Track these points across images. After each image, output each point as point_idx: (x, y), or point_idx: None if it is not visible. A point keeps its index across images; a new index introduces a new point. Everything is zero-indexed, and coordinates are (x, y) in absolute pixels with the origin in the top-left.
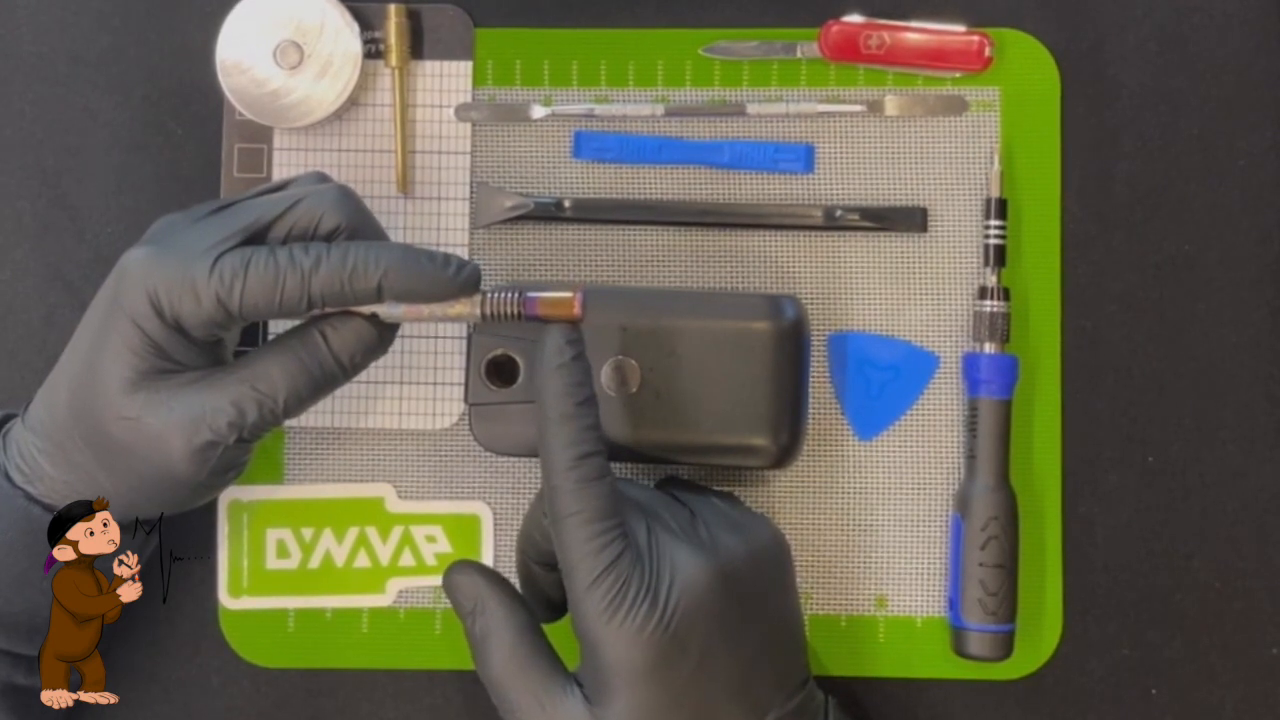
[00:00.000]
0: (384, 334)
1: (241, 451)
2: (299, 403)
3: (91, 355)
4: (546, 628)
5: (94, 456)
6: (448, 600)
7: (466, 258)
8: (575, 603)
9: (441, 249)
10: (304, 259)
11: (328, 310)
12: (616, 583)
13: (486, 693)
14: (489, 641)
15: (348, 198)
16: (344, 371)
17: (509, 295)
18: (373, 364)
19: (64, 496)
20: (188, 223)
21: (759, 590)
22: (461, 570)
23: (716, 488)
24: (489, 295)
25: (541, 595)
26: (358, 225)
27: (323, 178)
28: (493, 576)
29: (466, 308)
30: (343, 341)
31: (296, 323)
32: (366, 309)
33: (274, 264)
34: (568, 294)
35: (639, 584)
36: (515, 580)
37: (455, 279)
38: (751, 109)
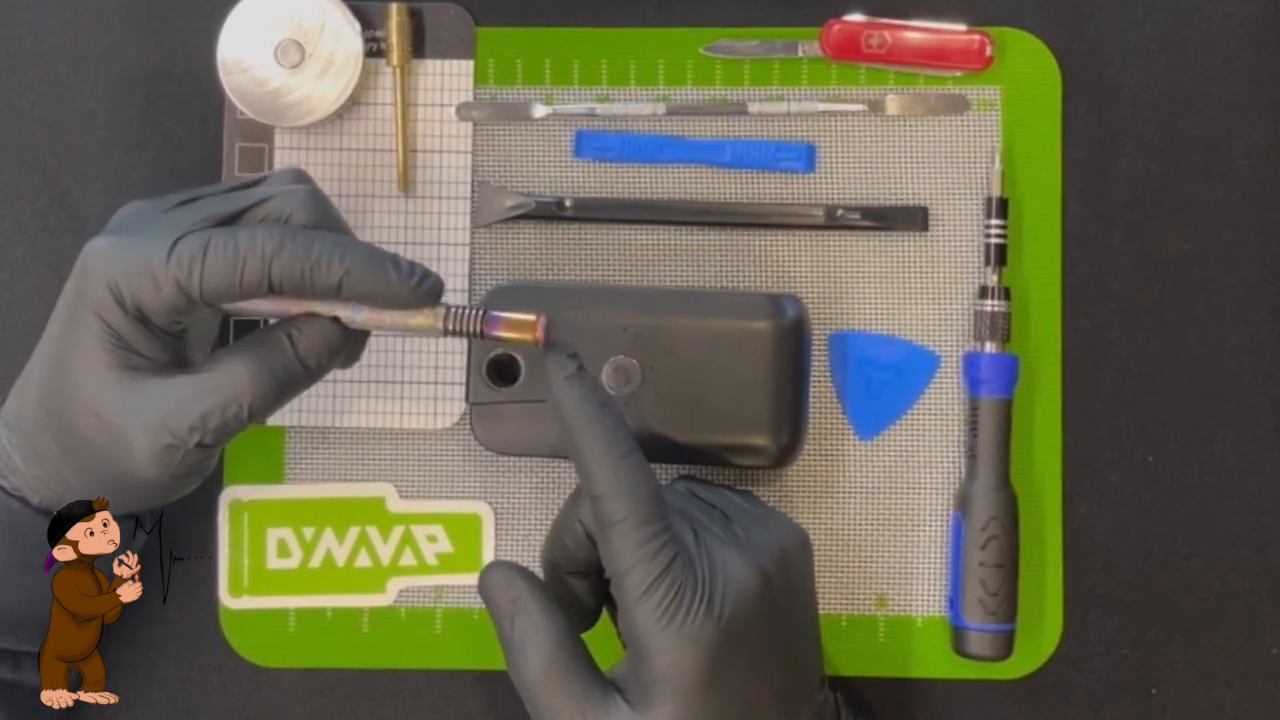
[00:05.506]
0: (354, 344)
1: (205, 456)
2: (265, 407)
3: (58, 348)
4: None
5: (61, 452)
6: (451, 599)
7: (466, 257)
8: (627, 609)
9: (441, 248)
10: (267, 241)
11: (293, 313)
12: (671, 588)
13: (486, 692)
14: (528, 645)
15: (317, 201)
16: (310, 374)
17: (472, 312)
18: (372, 364)
19: (34, 491)
20: (154, 213)
21: (793, 588)
22: (500, 569)
23: (736, 486)
24: (452, 310)
25: (570, 602)
26: (326, 228)
27: (299, 176)
28: (532, 578)
29: (429, 319)
30: (309, 343)
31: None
32: (328, 312)
33: (234, 245)
34: (530, 316)
35: (694, 589)
36: None
37: (417, 289)
38: (753, 108)
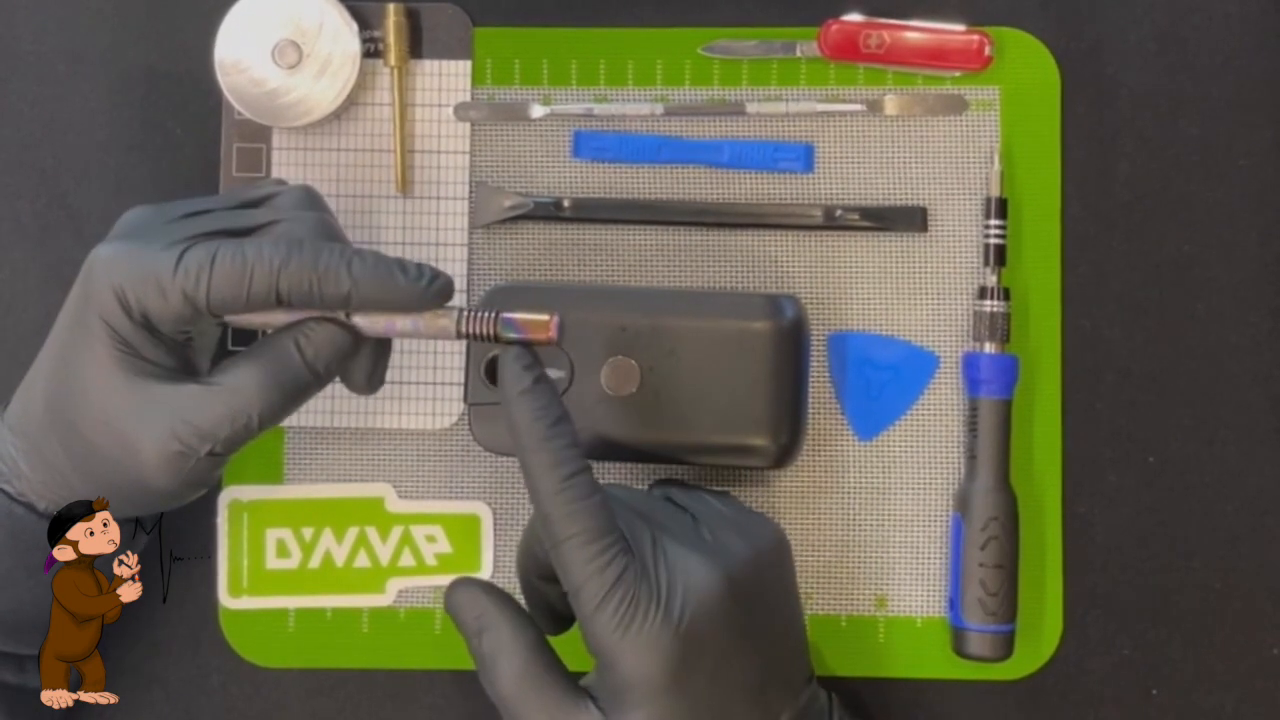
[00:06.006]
0: (378, 364)
1: (215, 464)
2: (274, 416)
3: (64, 353)
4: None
5: (67, 457)
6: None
7: (465, 258)
8: (585, 622)
9: (439, 249)
10: (274, 254)
11: (308, 315)
12: (625, 598)
13: (486, 692)
14: (498, 660)
15: (326, 229)
16: (319, 379)
17: (485, 314)
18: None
19: (40, 495)
20: (159, 222)
21: (765, 590)
22: (463, 588)
23: (712, 488)
24: (464, 313)
25: (547, 608)
26: None
27: (309, 198)
28: (496, 593)
29: (444, 320)
30: (317, 349)
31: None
32: (345, 319)
33: (241, 257)
34: (544, 316)
35: (648, 596)
36: (517, 593)
37: (426, 290)
38: (751, 108)
